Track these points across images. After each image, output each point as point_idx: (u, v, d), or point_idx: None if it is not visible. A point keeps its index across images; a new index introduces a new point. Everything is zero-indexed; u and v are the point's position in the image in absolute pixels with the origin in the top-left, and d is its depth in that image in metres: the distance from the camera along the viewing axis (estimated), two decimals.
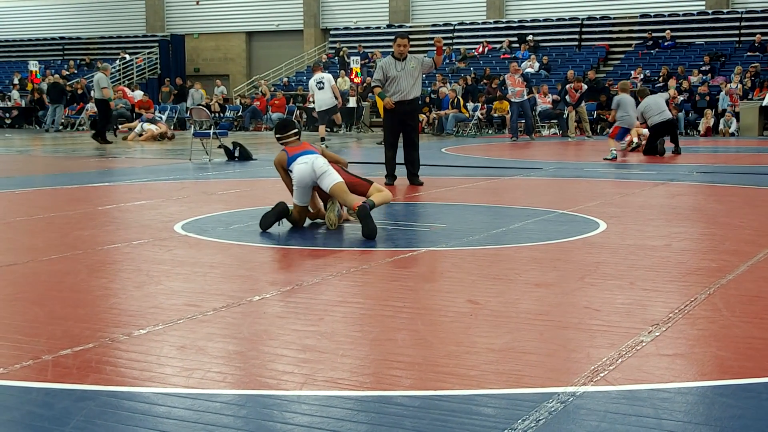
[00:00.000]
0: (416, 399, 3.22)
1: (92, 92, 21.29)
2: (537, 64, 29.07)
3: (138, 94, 28.37)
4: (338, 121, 19.28)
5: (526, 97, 22.19)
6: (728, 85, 24.29)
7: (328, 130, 21.41)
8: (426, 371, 3.54)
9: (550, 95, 25.04)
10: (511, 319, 4.34)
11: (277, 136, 7.53)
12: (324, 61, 32.18)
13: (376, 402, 3.21)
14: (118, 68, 35.11)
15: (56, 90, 27.40)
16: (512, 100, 22.10)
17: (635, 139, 17.41)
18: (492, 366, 3.60)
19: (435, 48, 11.14)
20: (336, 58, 32.68)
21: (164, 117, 27.41)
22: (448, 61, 30.93)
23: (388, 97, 10.98)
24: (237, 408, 3.16)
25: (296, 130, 7.49)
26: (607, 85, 24.87)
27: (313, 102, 18.84)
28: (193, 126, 18.64)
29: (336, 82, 20.60)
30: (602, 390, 3.30)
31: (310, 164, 7.17)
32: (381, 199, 7.22)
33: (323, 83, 18.60)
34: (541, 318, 4.37)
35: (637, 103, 16.32)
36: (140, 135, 22.45)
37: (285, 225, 7.42)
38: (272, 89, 30.83)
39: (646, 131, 16.84)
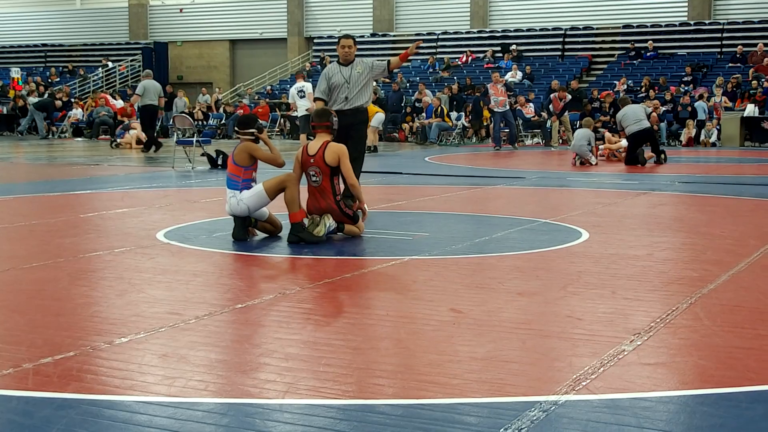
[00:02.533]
0: (398, 408, 3.22)
1: (140, 99, 19.92)
2: (520, 74, 29.17)
3: (120, 102, 28.22)
4: None
5: (508, 107, 22.29)
6: (712, 99, 24.43)
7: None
8: (408, 380, 3.54)
9: (531, 104, 25.15)
10: (494, 328, 4.35)
11: (236, 129, 7.64)
12: (308, 69, 32.16)
13: (358, 411, 3.21)
14: (100, 75, 34.98)
15: (44, 100, 27.78)
16: (495, 109, 22.17)
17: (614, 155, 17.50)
18: (474, 375, 3.60)
19: (408, 50, 9.70)
20: (320, 66, 32.68)
21: None
22: (431, 70, 30.99)
23: None
24: (219, 417, 3.15)
25: (252, 131, 7.46)
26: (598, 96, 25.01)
27: (296, 111, 19.08)
28: (176, 134, 18.53)
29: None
30: (584, 399, 3.31)
31: (228, 207, 7.29)
32: (350, 231, 7.33)
33: (304, 92, 18.93)
34: (523, 327, 4.38)
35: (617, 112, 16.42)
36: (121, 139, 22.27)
37: (262, 234, 7.43)
38: (256, 97, 30.78)
39: (624, 142, 16.91)
